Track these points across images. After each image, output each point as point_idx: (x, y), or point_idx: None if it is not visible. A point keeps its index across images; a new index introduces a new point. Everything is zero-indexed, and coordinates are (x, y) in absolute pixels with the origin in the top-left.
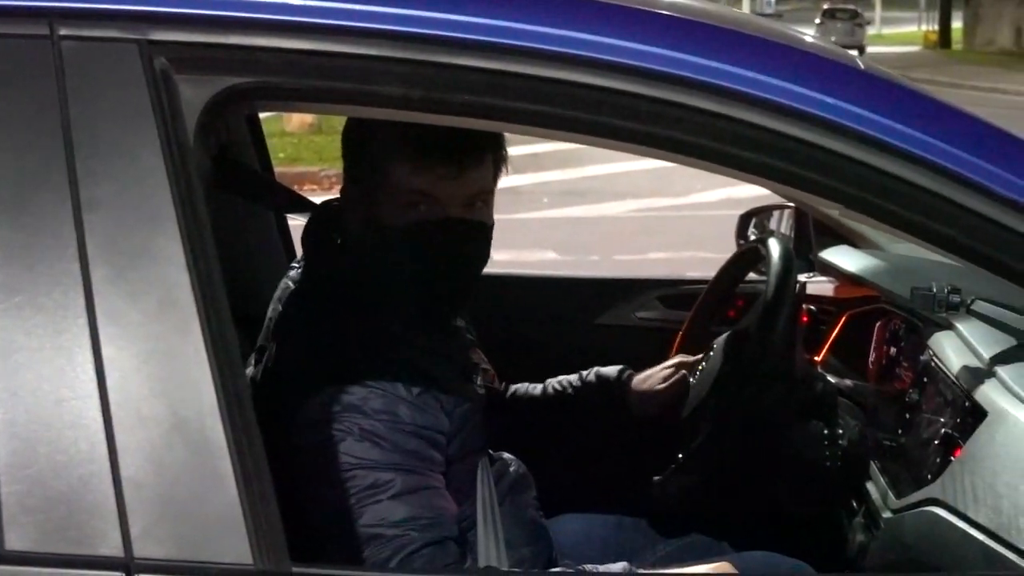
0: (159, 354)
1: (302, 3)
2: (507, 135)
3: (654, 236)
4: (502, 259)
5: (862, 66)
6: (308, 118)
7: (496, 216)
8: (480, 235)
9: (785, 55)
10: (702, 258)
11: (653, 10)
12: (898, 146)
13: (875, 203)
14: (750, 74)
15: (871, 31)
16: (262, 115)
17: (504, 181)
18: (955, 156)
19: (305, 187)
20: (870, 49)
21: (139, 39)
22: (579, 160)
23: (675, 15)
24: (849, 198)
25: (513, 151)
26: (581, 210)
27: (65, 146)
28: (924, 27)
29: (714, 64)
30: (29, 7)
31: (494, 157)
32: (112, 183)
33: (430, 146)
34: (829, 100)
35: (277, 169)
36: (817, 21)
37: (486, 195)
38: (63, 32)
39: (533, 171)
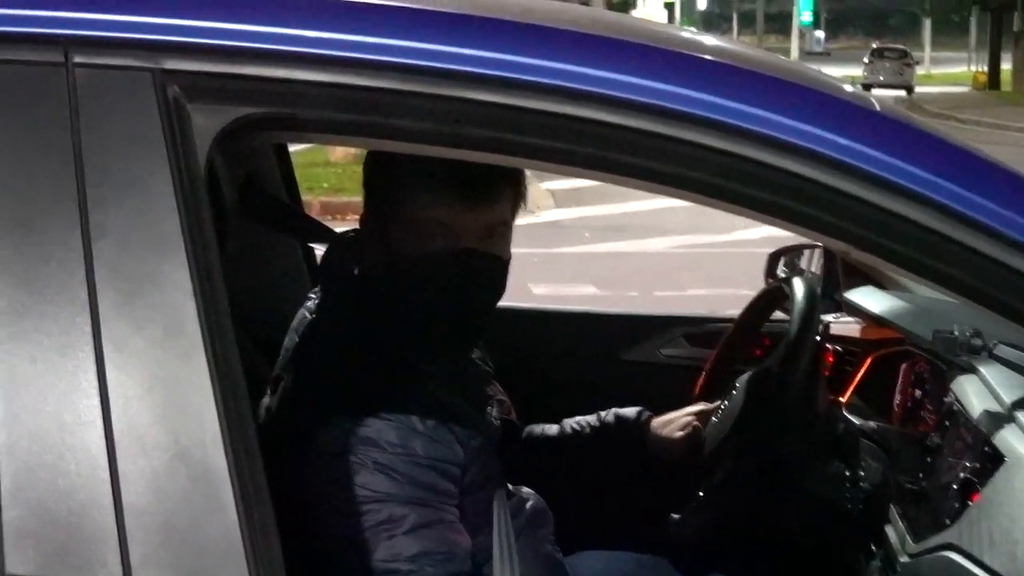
0: (163, 381)
1: (315, 35)
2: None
3: (694, 272)
4: (542, 293)
5: (876, 106)
6: (352, 149)
7: (537, 249)
8: (495, 268)
9: (795, 92)
10: (741, 295)
11: (660, 46)
12: (905, 186)
13: (883, 244)
14: (760, 112)
15: (920, 71)
16: (305, 146)
17: (546, 215)
18: (963, 197)
19: (349, 217)
20: (919, 89)
21: (153, 68)
22: (621, 195)
23: (682, 51)
24: (856, 238)
25: (555, 185)
26: (622, 245)
27: (76, 172)
28: (974, 68)
29: (723, 102)
30: (45, 34)
31: (512, 190)
32: (121, 210)
33: (447, 177)
34: (842, 141)
35: (321, 198)
36: (866, 60)
37: (503, 227)
38: (77, 59)
39: (575, 205)
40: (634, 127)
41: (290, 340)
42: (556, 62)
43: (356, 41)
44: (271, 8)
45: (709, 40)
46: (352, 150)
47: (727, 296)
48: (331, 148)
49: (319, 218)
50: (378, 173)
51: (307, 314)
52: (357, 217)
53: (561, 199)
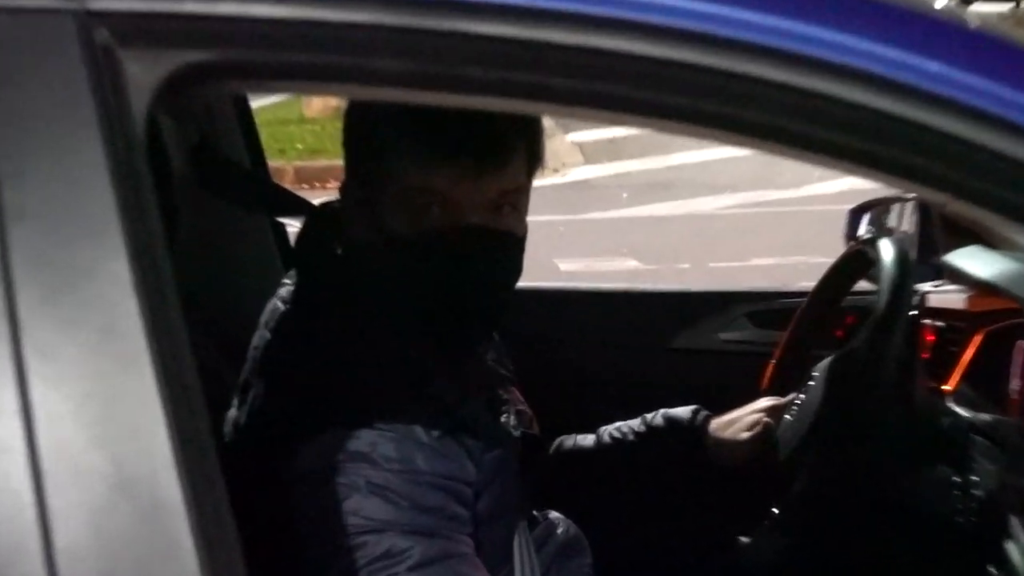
0: (100, 396)
1: None
2: (560, 120)
3: (758, 238)
4: (570, 269)
5: (974, 24)
6: (332, 100)
7: (563, 216)
8: (507, 246)
9: (868, 8)
10: (815, 264)
11: None
12: (1012, 120)
13: (989, 191)
14: (826, 34)
15: None
16: (275, 99)
17: (574, 173)
18: None
19: (329, 185)
20: None
21: (74, 8)
22: (665, 146)
23: None
24: (955, 185)
25: (583, 137)
26: (668, 207)
27: None
28: None
29: (784, 23)
30: None
31: (526, 148)
32: (41, 186)
33: (447, 137)
34: (932, 68)
35: (295, 163)
36: None
37: (516, 197)
38: None
39: (608, 160)
40: (676, 60)
41: (260, 338)
42: None
43: None
44: None
45: None
46: (333, 101)
47: (798, 265)
48: (307, 100)
49: (293, 188)
50: (360, 131)
51: (280, 305)
52: (338, 185)
53: (591, 153)
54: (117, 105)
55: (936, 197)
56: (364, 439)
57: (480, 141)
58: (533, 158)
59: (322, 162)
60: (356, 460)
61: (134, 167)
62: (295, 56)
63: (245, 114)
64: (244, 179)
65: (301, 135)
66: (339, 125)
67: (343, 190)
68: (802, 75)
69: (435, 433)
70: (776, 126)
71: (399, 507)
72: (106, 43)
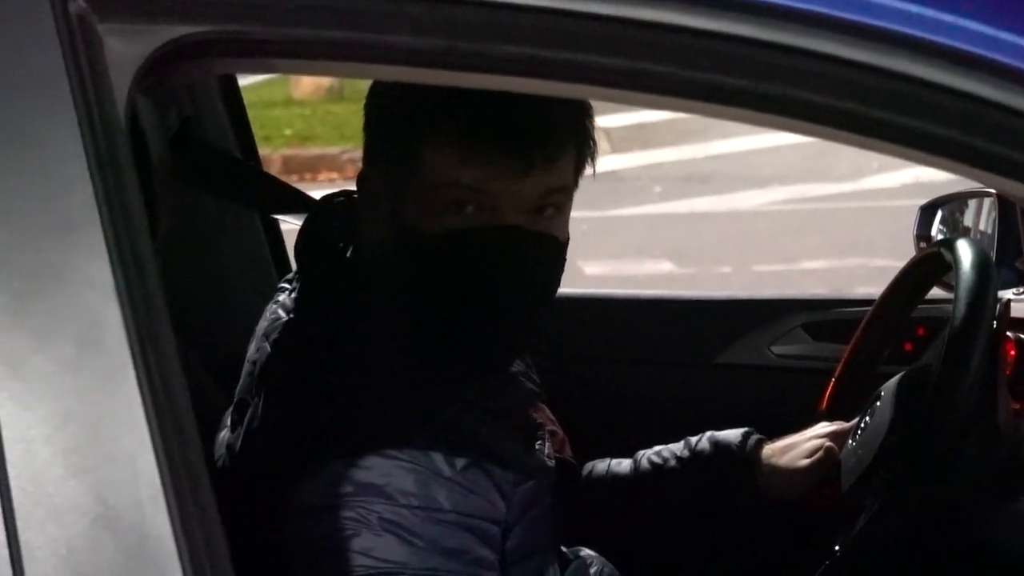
0: (78, 417)
1: None
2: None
3: (809, 237)
4: (597, 273)
5: None
6: (324, 81)
7: (590, 213)
8: (549, 252)
9: None
10: (878, 267)
11: None
12: None
13: None
14: (911, 7)
15: None
16: (256, 79)
17: (601, 163)
18: None
19: (321, 176)
20: None
21: None
22: (703, 133)
23: None
24: None
25: (610, 122)
26: (706, 202)
27: None
28: None
29: None
30: None
31: (577, 146)
32: (11, 178)
33: (491, 124)
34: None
35: (283, 151)
36: None
37: (561, 198)
38: None
39: (639, 149)
40: (733, 34)
41: (258, 351)
42: None
43: None
44: None
45: None
46: (324, 82)
47: (855, 269)
48: (295, 81)
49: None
50: (385, 111)
51: (282, 314)
52: (332, 177)
53: (619, 141)
54: (95, 86)
55: (1020, 190)
56: (377, 469)
57: (530, 131)
58: (582, 155)
59: (313, 150)
60: (367, 492)
61: (115, 156)
62: (299, 31)
63: (232, 94)
64: (232, 169)
65: (289, 119)
66: (333, 108)
67: (360, 181)
68: (877, 52)
69: (459, 464)
70: (844, 110)
71: (415, 548)
72: (83, 14)
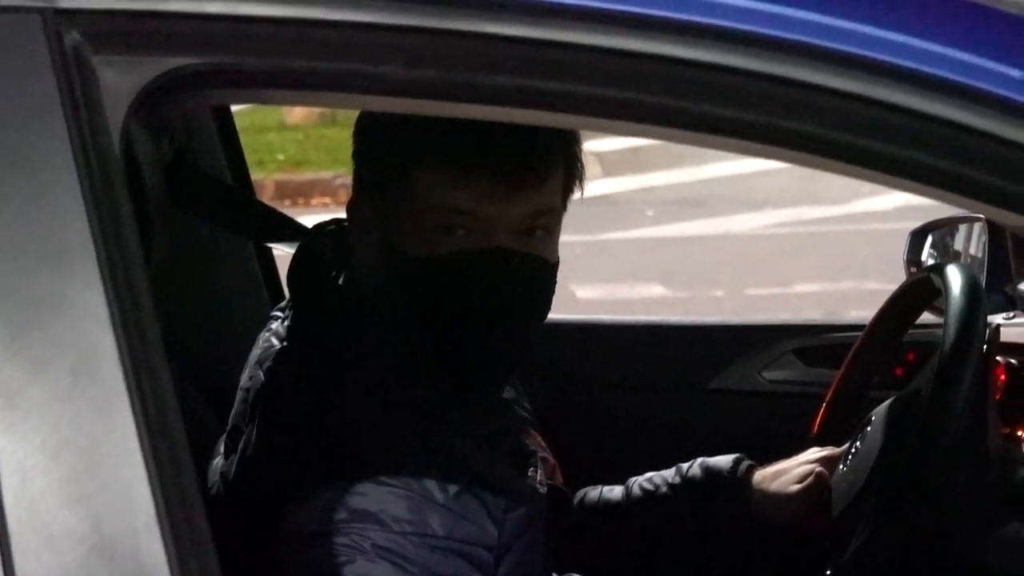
0: (73, 446)
1: None
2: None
3: (801, 260)
4: (589, 297)
5: None
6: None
7: (580, 236)
8: (538, 274)
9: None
10: (870, 291)
11: None
12: None
13: None
14: (899, 38)
15: None
16: (248, 105)
17: (592, 188)
18: None
19: (314, 201)
20: None
21: (41, 6)
22: (696, 157)
23: None
24: None
25: (602, 146)
26: (699, 226)
27: None
28: None
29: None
30: None
31: (566, 168)
32: (7, 208)
33: (479, 147)
34: (1015, 74)
35: (276, 176)
36: None
37: (550, 220)
38: None
39: (631, 173)
40: (719, 64)
41: (251, 378)
42: None
43: None
44: None
45: None
46: (316, 108)
47: (849, 292)
48: (287, 106)
49: (273, 205)
50: (373, 139)
51: (275, 341)
52: (325, 202)
53: (611, 165)
54: (90, 117)
55: (1010, 217)
56: (371, 496)
57: (518, 153)
58: (571, 177)
59: (307, 175)
60: (361, 519)
61: (110, 186)
62: (292, 62)
63: (225, 122)
64: (225, 196)
65: (282, 144)
66: (326, 132)
67: (350, 207)
68: (866, 82)
69: (451, 490)
70: (832, 140)
71: (409, 574)
72: (78, 47)
